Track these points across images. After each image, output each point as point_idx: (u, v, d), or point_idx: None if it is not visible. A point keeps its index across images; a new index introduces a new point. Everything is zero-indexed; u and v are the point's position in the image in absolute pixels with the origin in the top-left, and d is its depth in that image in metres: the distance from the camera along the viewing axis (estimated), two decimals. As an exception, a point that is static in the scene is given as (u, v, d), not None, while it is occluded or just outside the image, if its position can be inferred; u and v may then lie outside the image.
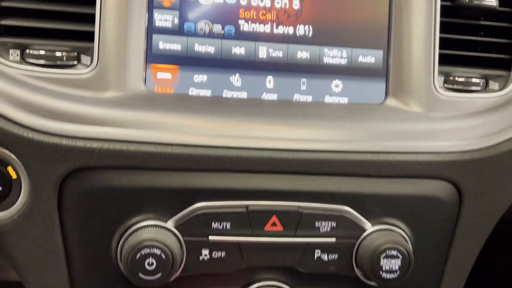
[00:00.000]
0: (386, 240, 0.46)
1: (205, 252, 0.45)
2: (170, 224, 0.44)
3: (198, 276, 0.46)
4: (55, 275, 0.45)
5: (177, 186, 0.45)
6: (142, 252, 0.42)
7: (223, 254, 0.46)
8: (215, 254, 0.45)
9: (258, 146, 0.45)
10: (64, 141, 0.42)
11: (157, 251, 0.42)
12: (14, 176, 0.43)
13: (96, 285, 0.46)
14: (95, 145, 0.43)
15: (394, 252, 0.46)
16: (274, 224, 0.46)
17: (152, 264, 0.42)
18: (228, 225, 0.45)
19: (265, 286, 0.47)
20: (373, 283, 0.49)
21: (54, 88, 0.45)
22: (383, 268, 0.46)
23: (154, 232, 0.43)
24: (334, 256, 0.47)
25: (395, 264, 0.46)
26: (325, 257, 0.47)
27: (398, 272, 0.46)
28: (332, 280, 0.49)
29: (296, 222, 0.46)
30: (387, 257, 0.46)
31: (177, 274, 0.45)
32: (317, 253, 0.47)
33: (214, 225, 0.45)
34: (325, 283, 0.49)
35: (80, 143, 0.43)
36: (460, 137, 0.50)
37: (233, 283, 0.47)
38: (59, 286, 0.46)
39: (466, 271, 0.55)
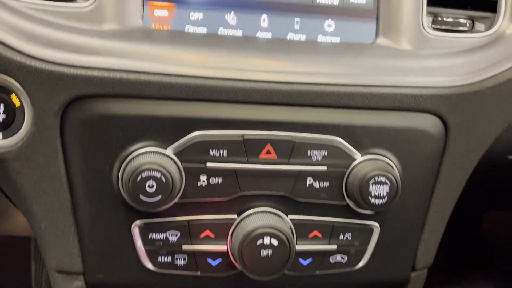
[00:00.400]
0: (375, 167, 0.48)
1: (203, 178, 0.48)
2: (169, 151, 0.46)
3: (196, 204, 0.49)
4: (58, 201, 0.47)
5: (175, 115, 0.46)
6: (143, 175, 0.44)
7: (220, 180, 0.48)
8: (212, 180, 0.48)
9: (253, 78, 0.47)
10: (66, 70, 0.44)
11: (157, 174, 0.44)
12: (17, 104, 0.45)
13: (97, 211, 0.48)
14: (96, 73, 0.44)
15: (382, 179, 0.48)
16: (268, 152, 0.48)
17: (153, 186, 0.44)
18: (225, 153, 0.47)
19: (260, 212, 0.49)
20: (362, 211, 0.51)
21: (54, 20, 0.46)
22: (372, 193, 0.49)
23: (154, 158, 0.45)
24: (325, 184, 0.50)
25: (383, 190, 0.49)
26: (316, 184, 0.50)
27: (386, 198, 0.49)
28: (323, 209, 0.51)
29: (289, 150, 0.48)
30: (375, 183, 0.48)
31: (176, 199, 0.47)
32: (309, 180, 0.49)
33: (211, 152, 0.47)
34: (317, 211, 0.51)
35: (81, 72, 0.44)
36: (447, 73, 0.52)
37: (229, 211, 0.50)
38: (62, 212, 0.48)
39: (450, 206, 0.57)
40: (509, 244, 1.67)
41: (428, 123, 0.52)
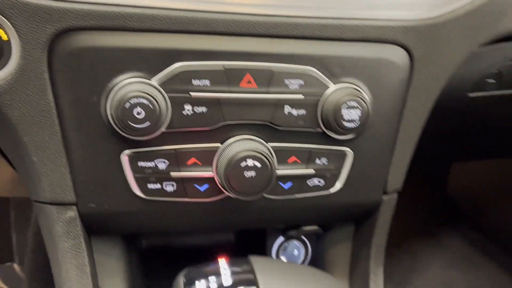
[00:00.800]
0: (347, 93, 0.53)
1: (188, 107, 0.50)
2: (154, 81, 0.49)
3: (182, 133, 0.52)
4: (48, 133, 0.49)
5: (158, 46, 0.49)
6: (131, 102, 0.46)
7: (204, 109, 0.51)
8: (197, 109, 0.51)
9: (232, 11, 0.50)
10: (52, 3, 0.45)
11: (145, 101, 0.47)
12: (5, 37, 0.46)
13: (87, 142, 0.50)
14: (81, 7, 0.46)
15: (353, 103, 0.53)
16: (249, 82, 0.51)
17: (141, 113, 0.47)
18: (207, 83, 0.50)
19: (242, 139, 0.53)
20: (337, 136, 0.56)
21: None
22: (344, 117, 0.53)
23: (141, 86, 0.47)
24: (302, 112, 0.54)
25: (355, 114, 0.53)
26: (294, 112, 0.53)
27: (357, 122, 0.53)
28: (301, 136, 0.55)
29: (268, 80, 0.52)
30: (348, 107, 0.53)
31: (163, 128, 0.50)
32: (287, 108, 0.53)
33: (194, 82, 0.50)
34: (295, 139, 0.55)
35: (67, 5, 0.46)
36: (412, 7, 0.56)
37: (213, 140, 0.53)
38: (53, 143, 0.50)
39: (416, 132, 0.62)
40: (474, 197, 1.77)
41: (395, 54, 0.56)
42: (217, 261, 0.42)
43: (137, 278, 0.63)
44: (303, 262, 0.71)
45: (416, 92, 0.59)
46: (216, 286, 0.37)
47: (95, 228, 0.55)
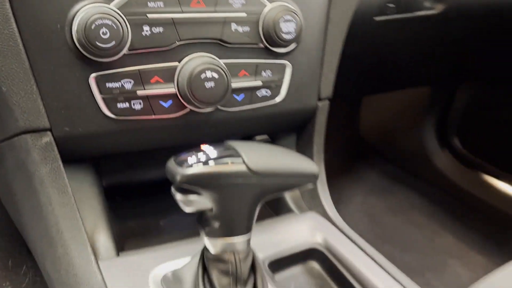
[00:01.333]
0: (282, 9, 0.61)
1: (146, 28, 0.55)
2: (113, 5, 0.53)
3: (143, 54, 0.57)
4: (16, 61, 0.51)
5: None
6: (96, 23, 0.50)
7: (161, 29, 0.56)
8: (154, 30, 0.56)
9: None
10: None
11: (109, 22, 0.51)
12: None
13: (55, 69, 0.53)
14: None
15: (289, 17, 0.61)
16: (198, 2, 0.58)
17: (106, 33, 0.51)
18: (162, 4, 0.55)
19: (198, 56, 0.59)
20: (278, 50, 0.64)
21: None
22: (283, 29, 0.62)
23: (103, 9, 0.51)
24: (246, 29, 0.61)
25: (291, 26, 0.62)
26: (240, 29, 0.61)
27: (294, 33, 0.62)
28: (248, 52, 0.63)
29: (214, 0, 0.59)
30: (284, 21, 0.61)
31: (126, 50, 0.54)
32: (233, 25, 0.60)
33: (150, 4, 0.55)
34: (243, 55, 0.63)
35: None
36: None
37: (172, 59, 0.59)
38: (21, 72, 0.51)
39: (339, 45, 0.73)
40: (381, 133, 1.99)
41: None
42: (200, 147, 0.49)
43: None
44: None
45: (336, 8, 0.69)
46: (205, 159, 0.44)
47: (68, 153, 0.58)
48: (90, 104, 0.55)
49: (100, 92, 0.55)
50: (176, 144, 0.62)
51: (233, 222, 0.45)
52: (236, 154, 0.44)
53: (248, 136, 0.77)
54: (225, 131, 0.66)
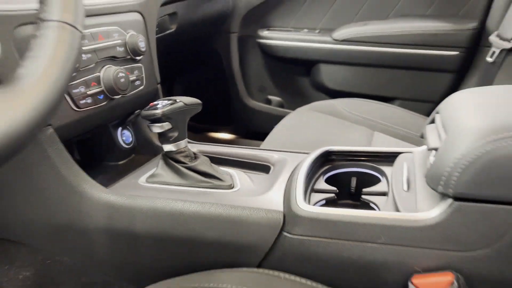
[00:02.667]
0: (137, 36, 1.11)
1: (83, 55, 0.94)
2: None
3: (84, 70, 0.95)
4: None
5: None
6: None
7: (89, 55, 0.96)
8: (86, 55, 0.95)
9: None
10: None
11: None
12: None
13: None
14: None
15: (141, 39, 1.11)
16: (102, 37, 1.00)
17: (74, 60, 0.89)
18: (87, 41, 0.96)
19: (108, 66, 1.02)
20: (138, 58, 1.13)
21: None
22: (140, 47, 1.11)
23: None
24: (122, 49, 1.07)
25: (143, 44, 1.12)
26: (120, 49, 1.06)
27: (144, 47, 1.13)
28: (127, 61, 1.09)
29: None
30: (140, 41, 1.11)
31: (78, 68, 0.92)
32: (118, 48, 1.06)
33: (84, 42, 0.94)
34: (125, 63, 1.08)
35: None
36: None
37: (97, 71, 0.99)
38: None
39: (155, 49, 1.27)
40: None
41: None
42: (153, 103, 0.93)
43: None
44: (131, 143, 1.22)
45: (151, 32, 1.23)
46: (164, 104, 0.91)
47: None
48: (65, 104, 0.91)
49: (69, 95, 0.91)
50: (108, 121, 1.03)
51: (181, 133, 0.96)
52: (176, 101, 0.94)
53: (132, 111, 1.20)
54: (126, 108, 1.10)
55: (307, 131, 1.46)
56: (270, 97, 2.20)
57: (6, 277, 0.90)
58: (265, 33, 2.07)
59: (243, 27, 2.10)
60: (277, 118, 1.64)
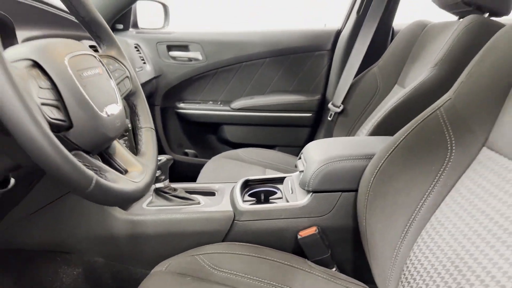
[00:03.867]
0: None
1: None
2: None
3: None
4: None
5: None
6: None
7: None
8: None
9: None
10: None
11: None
12: None
13: None
14: None
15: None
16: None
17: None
18: None
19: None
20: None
21: None
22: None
23: None
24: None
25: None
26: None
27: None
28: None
29: None
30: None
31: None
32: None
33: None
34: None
35: None
36: None
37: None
38: None
39: None
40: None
41: None
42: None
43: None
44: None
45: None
46: None
47: None
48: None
49: None
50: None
51: (166, 176, 1.61)
52: (163, 158, 1.60)
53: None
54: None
55: (225, 171, 2.19)
56: (187, 150, 2.91)
57: (65, 274, 1.41)
58: (181, 105, 2.78)
59: (164, 101, 2.80)
60: (194, 166, 2.36)
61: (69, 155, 0.61)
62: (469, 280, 0.75)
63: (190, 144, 2.79)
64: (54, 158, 0.59)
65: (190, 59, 2.58)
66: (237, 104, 2.66)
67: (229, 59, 2.58)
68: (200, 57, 2.58)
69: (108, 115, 0.80)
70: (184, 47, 2.58)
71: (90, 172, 0.64)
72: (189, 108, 2.65)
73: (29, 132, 0.56)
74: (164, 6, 2.77)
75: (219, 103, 2.70)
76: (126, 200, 0.76)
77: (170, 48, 2.58)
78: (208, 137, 2.79)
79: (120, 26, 2.59)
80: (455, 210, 0.89)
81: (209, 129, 2.75)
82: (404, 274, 0.95)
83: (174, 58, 2.59)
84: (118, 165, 0.89)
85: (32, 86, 0.64)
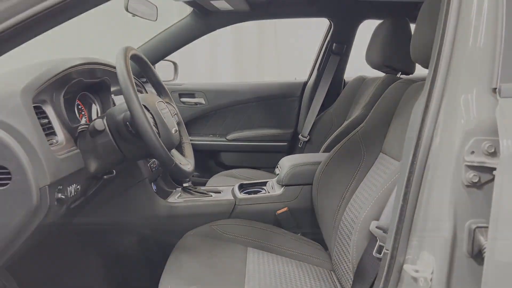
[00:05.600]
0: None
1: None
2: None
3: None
4: None
5: None
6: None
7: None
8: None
9: None
10: None
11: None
12: None
13: None
14: None
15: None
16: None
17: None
18: None
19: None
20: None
21: None
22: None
23: None
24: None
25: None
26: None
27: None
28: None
29: None
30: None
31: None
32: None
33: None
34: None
35: None
36: None
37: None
38: None
39: None
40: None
41: None
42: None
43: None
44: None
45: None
46: None
47: None
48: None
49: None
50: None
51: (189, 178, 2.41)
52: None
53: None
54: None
55: (224, 183, 3.02)
56: (192, 172, 3.72)
57: (125, 241, 2.17)
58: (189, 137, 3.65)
59: (176, 134, 3.63)
60: (196, 183, 3.16)
61: (166, 150, 1.43)
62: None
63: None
64: (162, 152, 1.42)
65: (196, 103, 3.46)
66: (231, 136, 3.52)
67: (225, 103, 3.45)
68: (203, 101, 3.46)
69: (174, 132, 1.63)
70: (191, 95, 3.46)
71: (173, 159, 1.47)
72: (194, 139, 3.48)
73: (153, 141, 1.39)
74: (174, 64, 3.65)
75: (217, 135, 3.56)
76: (185, 175, 1.58)
77: (180, 95, 3.47)
78: (208, 162, 3.62)
79: (144, 79, 3.45)
80: (365, 190, 1.71)
81: (209, 155, 3.58)
82: (339, 233, 1.70)
83: (183, 102, 3.45)
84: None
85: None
